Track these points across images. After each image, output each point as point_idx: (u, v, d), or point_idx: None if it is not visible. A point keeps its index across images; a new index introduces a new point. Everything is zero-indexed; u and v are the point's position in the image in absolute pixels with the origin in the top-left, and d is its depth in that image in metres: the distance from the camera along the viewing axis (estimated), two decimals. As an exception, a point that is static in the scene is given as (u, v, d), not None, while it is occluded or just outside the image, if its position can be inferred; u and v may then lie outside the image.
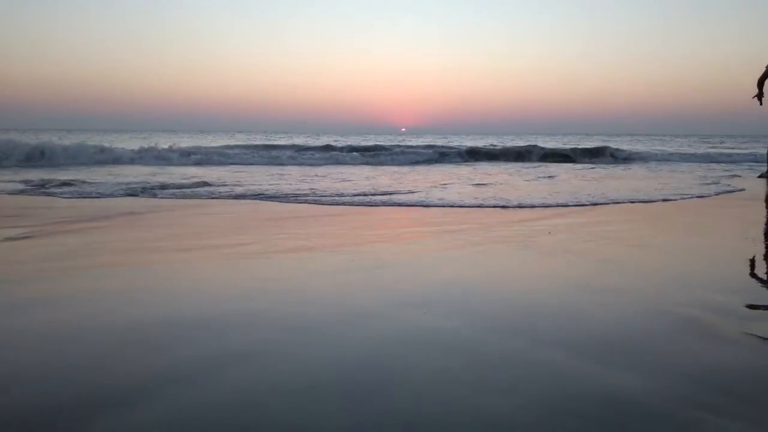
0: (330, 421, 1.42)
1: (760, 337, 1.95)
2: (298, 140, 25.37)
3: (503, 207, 5.60)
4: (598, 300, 2.48)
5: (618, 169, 11.94)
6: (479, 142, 22.49)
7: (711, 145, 25.88)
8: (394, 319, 2.20)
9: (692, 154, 16.94)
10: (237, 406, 1.49)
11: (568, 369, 1.71)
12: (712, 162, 14.78)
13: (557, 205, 5.68)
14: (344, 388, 1.59)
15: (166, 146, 14.34)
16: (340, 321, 2.18)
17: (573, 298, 2.51)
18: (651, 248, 3.68)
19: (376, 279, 2.86)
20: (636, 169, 12.00)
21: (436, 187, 7.62)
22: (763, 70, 7.62)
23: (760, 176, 9.27)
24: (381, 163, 13.07)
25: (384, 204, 5.75)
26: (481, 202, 5.92)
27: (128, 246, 3.63)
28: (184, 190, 6.96)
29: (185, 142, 21.86)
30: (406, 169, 11.73)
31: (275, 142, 20.83)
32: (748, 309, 2.30)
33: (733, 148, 21.65)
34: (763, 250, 3.58)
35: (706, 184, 8.31)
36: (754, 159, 14.57)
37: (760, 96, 7.77)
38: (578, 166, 13.26)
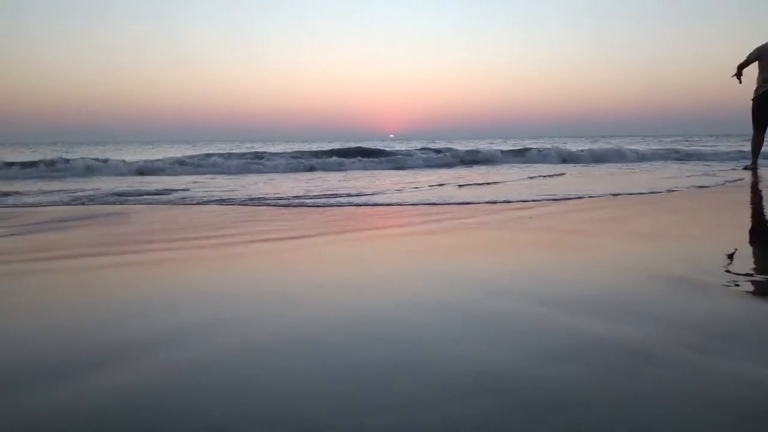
0: (326, 367, 1.46)
1: (736, 287, 2.19)
2: (280, 147, 24.67)
3: (505, 202, 5.32)
4: (591, 269, 2.59)
5: (621, 167, 11.73)
6: (469, 146, 22.12)
7: (690, 144, 25.69)
8: (384, 290, 2.25)
9: (679, 152, 16.57)
10: (220, 364, 1.53)
11: (564, 322, 1.78)
12: (703, 160, 14.47)
13: (567, 198, 5.33)
14: (330, 341, 1.65)
15: (123, 158, 13.56)
16: (327, 293, 2.21)
17: (568, 267, 2.63)
18: (644, 227, 3.90)
19: (364, 259, 2.94)
20: (635, 166, 11.92)
21: (432, 187, 7.18)
22: (744, 58, 8.77)
23: (744, 168, 9.88)
24: (373, 167, 12.48)
25: (386, 204, 5.33)
26: (474, 198, 5.54)
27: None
28: (146, 197, 6.40)
29: (162, 153, 21.31)
30: (402, 172, 11.19)
31: (257, 150, 20.14)
32: (728, 272, 2.46)
33: (717, 146, 21.66)
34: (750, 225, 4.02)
35: (706, 176, 8.50)
36: (743, 155, 14.29)
37: (738, 75, 9.03)
38: (574, 165, 12.85)
